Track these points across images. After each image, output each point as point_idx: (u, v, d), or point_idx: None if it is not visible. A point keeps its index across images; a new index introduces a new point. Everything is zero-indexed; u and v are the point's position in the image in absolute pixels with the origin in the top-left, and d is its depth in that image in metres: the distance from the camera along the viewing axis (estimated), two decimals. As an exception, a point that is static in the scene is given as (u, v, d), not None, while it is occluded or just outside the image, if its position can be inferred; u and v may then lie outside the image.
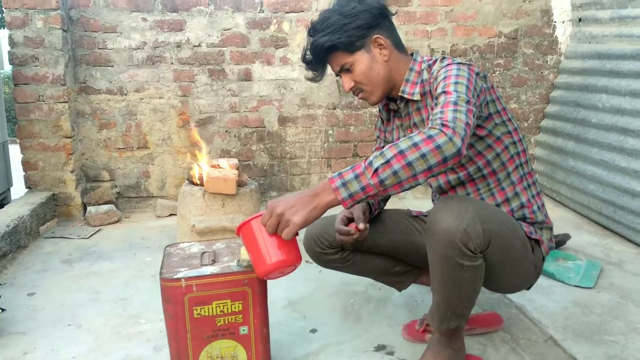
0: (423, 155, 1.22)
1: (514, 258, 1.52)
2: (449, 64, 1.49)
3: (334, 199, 1.27)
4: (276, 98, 3.62)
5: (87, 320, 2.07)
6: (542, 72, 3.80)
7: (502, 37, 3.72)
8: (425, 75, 1.58)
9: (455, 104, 1.33)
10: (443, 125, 1.26)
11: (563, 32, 3.70)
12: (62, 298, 2.27)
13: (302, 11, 3.51)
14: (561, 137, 3.50)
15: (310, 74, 1.66)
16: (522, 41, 3.75)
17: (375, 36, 1.55)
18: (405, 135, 1.69)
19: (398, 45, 1.61)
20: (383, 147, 1.86)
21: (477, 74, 1.48)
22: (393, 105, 1.71)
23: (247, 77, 3.55)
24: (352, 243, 1.64)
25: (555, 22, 3.73)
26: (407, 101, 1.64)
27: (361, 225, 1.59)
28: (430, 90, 1.55)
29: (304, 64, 1.64)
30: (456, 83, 1.40)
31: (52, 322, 2.05)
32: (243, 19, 3.48)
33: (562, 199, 3.48)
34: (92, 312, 2.14)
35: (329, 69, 1.65)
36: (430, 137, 1.24)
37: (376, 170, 1.23)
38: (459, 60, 1.52)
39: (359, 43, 1.55)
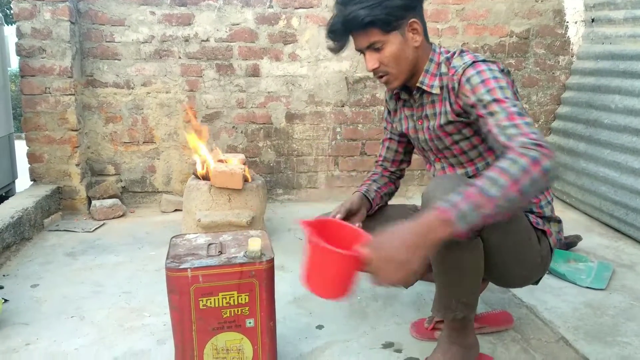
0: (537, 185, 1.18)
1: (515, 243, 1.49)
2: (474, 62, 1.45)
3: (449, 234, 1.16)
4: (284, 94, 3.59)
5: (91, 312, 2.04)
6: (553, 73, 3.76)
7: (514, 36, 3.68)
8: (444, 69, 1.54)
9: (520, 115, 1.32)
10: (538, 145, 1.20)
11: (575, 33, 3.65)
12: (65, 290, 2.24)
13: (312, 7, 3.48)
14: (572, 138, 3.46)
15: (331, 43, 1.56)
16: (533, 41, 3.71)
17: (412, 20, 1.50)
18: (415, 125, 1.68)
19: (425, 31, 1.57)
20: (390, 138, 1.86)
21: (502, 70, 1.46)
22: (404, 95, 1.68)
23: (255, 72, 3.53)
24: None
25: (567, 22, 3.69)
26: (423, 92, 1.60)
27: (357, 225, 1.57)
28: (452, 86, 1.49)
29: (328, 32, 1.54)
30: (501, 88, 1.38)
31: (55, 313, 2.02)
32: (252, 14, 3.45)
33: (572, 201, 3.44)
34: (95, 304, 2.11)
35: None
36: (535, 159, 1.17)
37: (493, 198, 1.16)
38: (481, 57, 1.48)
39: (396, 24, 1.48)
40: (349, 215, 1.64)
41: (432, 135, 1.62)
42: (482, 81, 1.41)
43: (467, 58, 1.49)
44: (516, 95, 1.48)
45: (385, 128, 1.88)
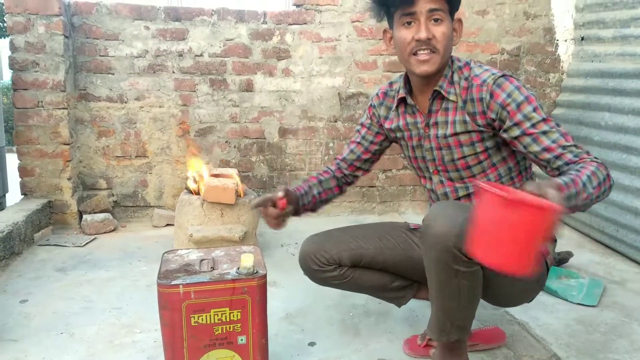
0: (600, 196, 1.33)
1: None
2: (504, 75, 1.48)
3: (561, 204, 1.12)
4: (277, 109, 3.60)
5: (80, 328, 2.02)
6: (544, 90, 3.80)
7: (505, 54, 3.73)
8: (456, 77, 1.54)
9: (567, 134, 1.43)
10: (606, 167, 1.36)
11: (565, 51, 3.70)
12: (55, 306, 2.21)
13: (305, 23, 3.51)
14: (563, 154, 3.48)
15: (373, 5, 1.56)
16: (524, 58, 3.76)
17: (458, 18, 1.54)
18: (419, 133, 1.64)
19: None
20: (359, 143, 1.82)
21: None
22: (411, 100, 1.64)
23: (248, 87, 3.54)
24: (272, 216, 1.59)
25: (557, 40, 3.74)
26: (436, 98, 1.58)
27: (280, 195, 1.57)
28: (480, 97, 1.48)
29: None
30: (540, 107, 1.45)
31: (44, 330, 2.00)
32: (246, 29, 3.47)
33: (563, 217, 3.45)
34: (85, 320, 2.09)
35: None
36: (606, 177, 1.35)
37: (588, 196, 1.28)
38: (498, 72, 1.50)
39: (455, 10, 1.51)
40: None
41: (441, 144, 1.60)
42: (526, 98, 1.44)
43: (492, 70, 1.51)
44: None
45: (358, 131, 1.84)
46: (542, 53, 3.76)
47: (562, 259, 2.68)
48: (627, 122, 2.89)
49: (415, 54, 1.50)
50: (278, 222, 1.59)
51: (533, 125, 1.42)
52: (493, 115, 1.47)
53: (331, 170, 1.86)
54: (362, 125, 1.83)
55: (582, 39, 3.51)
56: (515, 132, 1.44)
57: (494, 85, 1.46)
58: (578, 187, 1.25)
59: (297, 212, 1.70)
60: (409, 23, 1.48)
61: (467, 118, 1.52)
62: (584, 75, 3.45)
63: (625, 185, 2.81)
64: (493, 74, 1.49)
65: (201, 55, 3.46)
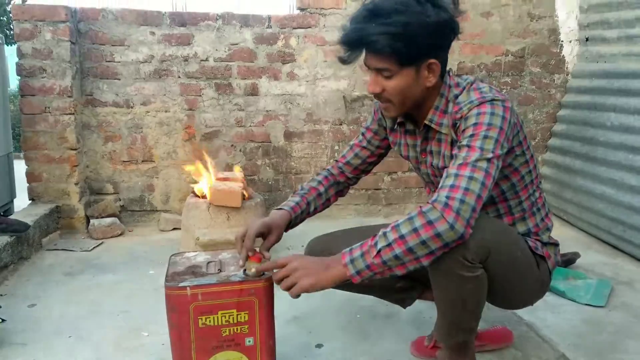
0: (423, 242, 1.25)
1: (517, 271, 1.47)
2: (482, 103, 1.38)
3: (343, 273, 1.31)
4: (282, 113, 3.61)
5: (88, 332, 2.03)
6: (549, 91, 3.79)
7: (510, 55, 3.72)
8: (451, 108, 1.47)
9: (474, 167, 1.30)
10: (446, 206, 1.24)
11: (570, 52, 3.70)
12: (63, 310, 2.23)
13: (310, 27, 3.52)
14: (569, 155, 3.48)
15: (343, 54, 1.45)
16: (529, 60, 3.75)
17: (432, 61, 1.40)
18: (417, 157, 1.63)
19: (444, 70, 1.47)
20: (364, 147, 1.78)
21: (511, 110, 1.40)
22: (409, 125, 1.61)
23: (253, 91, 3.55)
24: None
25: (562, 41, 3.74)
26: (430, 128, 1.54)
27: (266, 254, 1.54)
28: (454, 123, 1.44)
29: (342, 41, 1.42)
30: (485, 137, 1.33)
31: (52, 333, 2.01)
32: (251, 34, 3.48)
33: (570, 218, 3.45)
34: (93, 324, 2.10)
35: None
36: (430, 222, 1.24)
37: (379, 251, 1.27)
38: (489, 94, 1.40)
39: (415, 60, 1.39)
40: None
41: (436, 172, 1.58)
42: (474, 124, 1.35)
43: (475, 96, 1.42)
44: (520, 143, 1.47)
45: (363, 134, 1.79)
46: (547, 54, 3.76)
47: (569, 260, 2.67)
48: (633, 122, 2.88)
49: None
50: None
51: (459, 147, 1.35)
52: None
53: (333, 175, 1.82)
54: (367, 129, 1.78)
55: (587, 39, 3.50)
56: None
57: (467, 113, 1.39)
58: (365, 247, 1.29)
59: (293, 226, 1.70)
60: (369, 71, 1.46)
61: (454, 150, 1.47)
62: (589, 76, 3.45)
63: (632, 185, 2.80)
64: (471, 101, 1.41)
65: (206, 59, 3.47)
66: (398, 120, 1.63)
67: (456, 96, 1.47)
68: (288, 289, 1.35)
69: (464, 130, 1.38)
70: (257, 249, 1.52)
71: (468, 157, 1.31)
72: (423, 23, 1.33)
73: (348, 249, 1.33)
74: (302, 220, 1.74)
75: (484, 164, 1.30)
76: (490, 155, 1.31)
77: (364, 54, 1.44)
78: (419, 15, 1.32)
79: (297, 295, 1.34)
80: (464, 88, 1.48)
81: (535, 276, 1.55)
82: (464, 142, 1.35)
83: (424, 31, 1.33)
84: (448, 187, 1.27)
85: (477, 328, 1.56)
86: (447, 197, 1.25)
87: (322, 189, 1.78)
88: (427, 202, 1.29)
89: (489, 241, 1.35)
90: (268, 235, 1.59)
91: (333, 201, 1.84)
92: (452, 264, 1.33)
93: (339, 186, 1.84)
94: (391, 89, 1.43)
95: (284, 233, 1.68)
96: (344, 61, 1.46)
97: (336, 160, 1.84)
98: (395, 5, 1.33)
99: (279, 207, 1.69)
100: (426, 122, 1.52)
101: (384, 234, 1.28)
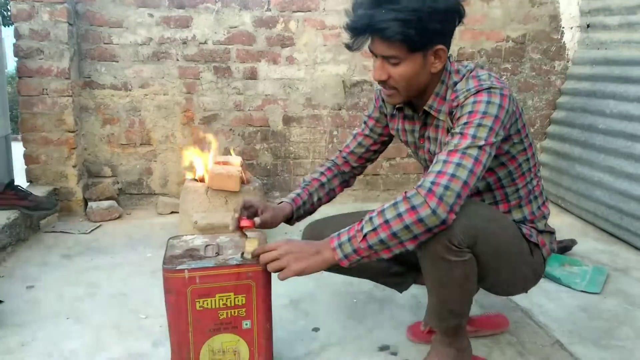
0: (407, 227, 1.27)
1: (507, 257, 1.47)
2: (479, 91, 1.37)
3: (331, 257, 1.34)
4: (281, 97, 3.59)
5: (86, 314, 2.04)
6: (549, 78, 3.78)
7: (510, 41, 3.70)
8: (449, 95, 1.46)
9: (464, 154, 1.30)
10: (430, 192, 1.26)
11: (571, 38, 3.68)
12: (61, 291, 2.23)
13: (310, 10, 3.49)
14: (568, 143, 3.48)
15: (349, 40, 1.42)
16: (529, 46, 3.73)
17: (440, 47, 1.39)
18: (416, 142, 1.64)
19: (448, 57, 1.47)
20: (367, 135, 1.78)
21: (509, 98, 1.39)
22: (408, 111, 1.61)
23: (252, 75, 3.53)
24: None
25: (563, 27, 3.71)
26: (427, 113, 1.54)
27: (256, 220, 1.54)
28: (450, 111, 1.44)
29: (349, 28, 1.39)
30: (479, 126, 1.33)
31: (50, 315, 2.02)
32: (250, 17, 3.46)
33: (567, 205, 3.45)
34: (91, 306, 2.11)
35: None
36: (413, 207, 1.26)
37: (365, 236, 1.30)
38: (487, 82, 1.39)
39: (424, 47, 1.38)
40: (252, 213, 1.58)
41: (433, 158, 1.55)
42: (470, 112, 1.35)
43: (473, 84, 1.41)
44: (519, 131, 1.46)
45: (365, 123, 1.79)
46: (548, 41, 3.74)
47: (565, 247, 2.68)
48: (633, 109, 2.88)
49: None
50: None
51: (452, 135, 1.36)
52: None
53: (337, 165, 1.82)
54: (369, 117, 1.78)
55: (588, 26, 3.48)
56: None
57: (463, 102, 1.39)
58: (352, 231, 1.32)
59: (289, 221, 1.70)
60: (374, 57, 1.45)
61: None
62: (589, 62, 3.43)
63: (629, 173, 2.81)
64: (469, 89, 1.40)
65: (205, 42, 3.45)
66: (397, 105, 1.62)
67: (455, 83, 1.47)
68: (276, 271, 1.37)
69: (458, 118, 1.38)
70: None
71: (459, 145, 1.32)
72: (432, 9, 1.32)
73: (336, 233, 1.35)
74: (308, 213, 1.75)
75: (474, 151, 1.30)
76: (482, 142, 1.31)
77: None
78: (428, 1, 1.31)
79: (285, 279, 1.35)
80: (463, 75, 1.47)
81: (527, 263, 1.55)
82: (457, 130, 1.35)
83: (433, 17, 1.32)
84: (434, 173, 1.29)
85: (469, 313, 1.57)
86: (432, 183, 1.27)
87: (324, 179, 1.78)
88: (413, 187, 1.30)
89: (476, 227, 1.35)
90: (263, 212, 1.58)
91: (339, 192, 1.84)
92: (438, 248, 1.35)
93: (344, 176, 1.84)
94: (398, 76, 1.42)
95: (290, 226, 1.73)
96: (350, 48, 1.43)
97: (340, 151, 1.84)
98: None
99: (280, 201, 1.70)
100: (425, 108, 1.52)
101: (370, 218, 1.31)
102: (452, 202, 1.26)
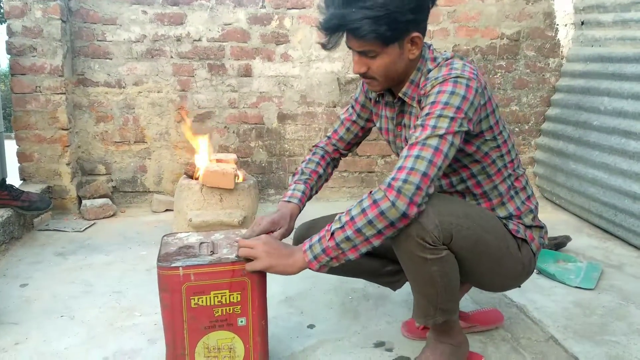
0: (370, 222, 1.29)
1: (488, 253, 1.46)
2: (445, 80, 1.37)
3: (302, 260, 1.37)
4: (276, 95, 3.59)
5: (80, 312, 2.03)
6: (543, 75, 3.79)
7: (505, 38, 3.71)
8: (422, 82, 1.47)
9: (423, 145, 1.30)
10: (389, 186, 1.28)
11: (565, 35, 3.68)
12: (55, 290, 2.22)
13: (304, 7, 3.49)
14: (562, 139, 3.49)
15: (324, 39, 1.43)
16: (524, 43, 3.74)
17: (416, 34, 1.40)
18: (394, 130, 1.64)
19: (424, 39, 1.47)
20: (354, 122, 1.77)
21: (476, 90, 1.37)
22: (388, 97, 1.61)
23: (247, 72, 3.53)
24: None
25: (557, 25, 3.72)
26: (404, 101, 1.55)
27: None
28: (420, 100, 1.45)
29: (322, 27, 1.39)
30: (439, 116, 1.32)
31: (44, 313, 2.01)
32: (244, 14, 3.45)
33: (562, 202, 3.46)
34: (85, 304, 2.10)
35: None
36: (375, 202, 1.29)
37: (332, 233, 1.32)
38: (458, 72, 1.38)
39: (398, 38, 1.38)
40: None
41: None
42: (432, 103, 1.35)
43: (443, 72, 1.41)
44: (491, 127, 1.45)
45: (352, 107, 1.78)
46: (542, 38, 3.74)
47: (560, 243, 2.69)
48: (627, 106, 2.88)
49: None
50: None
51: (415, 127, 1.36)
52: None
53: (328, 153, 1.83)
54: (356, 101, 1.77)
55: (582, 23, 3.49)
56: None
57: (429, 90, 1.39)
58: (322, 232, 1.34)
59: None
60: (352, 53, 1.46)
61: None
62: (583, 59, 3.44)
63: (623, 169, 2.81)
64: (437, 77, 1.40)
65: (199, 40, 3.44)
66: (378, 92, 1.63)
67: (429, 71, 1.48)
68: (247, 260, 1.40)
69: (422, 108, 1.38)
70: None
71: (419, 137, 1.32)
72: (402, 1, 1.32)
73: (310, 237, 1.37)
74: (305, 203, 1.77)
75: (433, 141, 1.30)
76: (442, 132, 1.31)
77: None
78: None
79: (252, 271, 1.39)
80: (438, 64, 1.47)
81: (514, 259, 1.54)
82: (419, 122, 1.36)
83: (404, 8, 1.33)
84: (396, 170, 1.31)
85: (457, 309, 1.55)
86: (392, 179, 1.29)
87: (321, 170, 1.80)
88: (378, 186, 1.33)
89: (450, 223, 1.35)
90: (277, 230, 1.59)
91: (329, 178, 1.88)
92: (411, 246, 1.35)
93: (334, 162, 1.88)
94: (376, 68, 1.43)
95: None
96: (325, 47, 1.44)
97: (328, 137, 1.84)
98: None
99: (287, 199, 1.69)
100: (400, 94, 1.53)
101: (339, 217, 1.34)
102: (411, 194, 1.26)
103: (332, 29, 1.39)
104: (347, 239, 1.30)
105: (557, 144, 3.52)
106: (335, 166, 1.89)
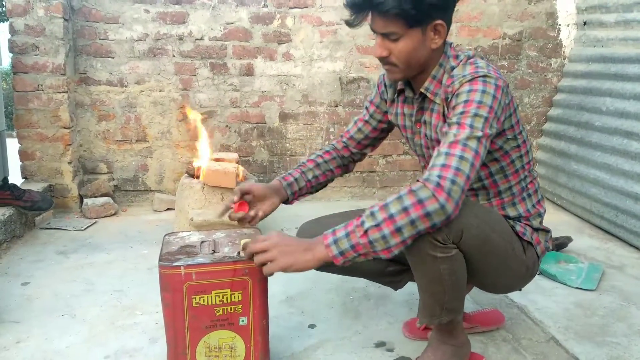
0: (412, 222, 1.23)
1: (495, 254, 1.47)
2: (474, 79, 1.38)
3: (325, 255, 1.28)
4: (278, 94, 3.59)
5: (82, 310, 2.03)
6: (545, 75, 3.78)
7: (507, 38, 3.70)
8: (446, 80, 1.47)
9: (465, 145, 1.29)
10: (438, 186, 1.23)
11: (567, 36, 3.68)
12: (56, 288, 2.23)
13: (306, 7, 3.48)
14: (564, 140, 3.48)
15: (348, 16, 1.44)
16: (526, 43, 3.73)
17: (439, 22, 1.40)
18: (412, 127, 1.63)
19: (447, 33, 1.47)
20: (367, 121, 1.78)
21: (503, 89, 1.39)
22: (409, 92, 1.61)
23: (249, 72, 3.53)
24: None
25: (560, 25, 3.72)
26: (425, 97, 1.55)
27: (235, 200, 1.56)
28: (446, 97, 1.44)
29: (348, 3, 1.41)
30: (475, 115, 1.32)
31: (46, 311, 2.01)
32: (246, 13, 3.45)
33: (563, 202, 3.46)
34: (86, 302, 2.10)
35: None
36: (420, 201, 1.23)
37: (366, 231, 1.24)
38: (483, 70, 1.39)
39: (422, 21, 1.38)
40: (250, 200, 1.60)
41: (429, 143, 1.58)
42: (465, 101, 1.35)
43: (469, 70, 1.41)
44: (512, 127, 1.45)
45: (366, 108, 1.79)
46: (544, 38, 3.74)
47: (561, 244, 2.69)
48: (629, 107, 2.88)
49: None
50: (243, 223, 1.59)
51: (449, 125, 1.35)
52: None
53: (337, 149, 1.82)
54: (370, 102, 1.78)
55: (585, 23, 3.49)
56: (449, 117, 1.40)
57: (458, 88, 1.39)
58: (350, 226, 1.27)
59: (287, 201, 1.70)
60: (375, 35, 1.46)
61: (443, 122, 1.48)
62: (585, 60, 3.44)
63: (625, 170, 2.81)
64: (464, 75, 1.40)
65: (201, 39, 3.44)
66: (398, 87, 1.62)
67: (452, 68, 1.47)
68: (262, 265, 1.32)
69: (454, 107, 1.37)
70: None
71: (458, 135, 1.31)
72: None
73: (330, 230, 1.30)
74: (305, 191, 1.76)
75: (473, 143, 1.30)
76: (479, 133, 1.31)
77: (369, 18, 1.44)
78: None
79: (271, 274, 1.32)
80: (461, 61, 1.48)
81: (519, 261, 1.54)
82: (454, 119, 1.34)
83: None
84: (439, 167, 1.27)
85: (462, 309, 1.56)
86: (439, 177, 1.24)
87: (320, 160, 1.78)
88: (418, 181, 1.28)
89: (460, 222, 1.35)
90: (261, 200, 1.61)
91: (337, 173, 1.83)
92: (422, 244, 1.34)
93: (343, 160, 1.84)
94: (398, 52, 1.43)
95: (290, 204, 1.74)
96: (350, 24, 1.45)
97: (341, 136, 1.84)
98: None
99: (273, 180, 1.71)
100: (422, 90, 1.52)
101: (372, 213, 1.26)
102: (458, 197, 1.24)
103: (358, 5, 1.40)
104: (383, 237, 1.23)
105: (559, 145, 3.52)
106: (345, 165, 1.85)
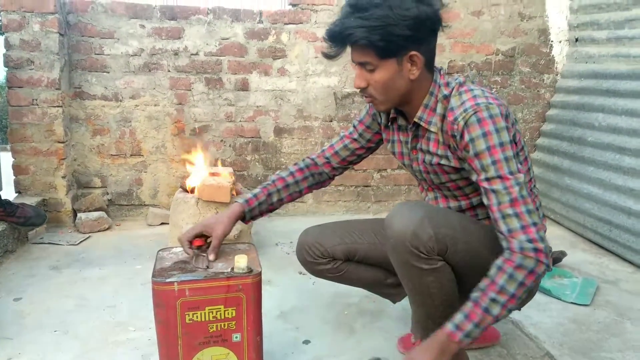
0: (527, 289, 1.31)
1: (484, 267, 1.44)
2: (480, 118, 1.37)
3: (456, 348, 1.32)
4: (272, 109, 3.60)
5: (75, 326, 2.01)
6: (538, 91, 3.82)
7: (500, 54, 3.74)
8: (440, 109, 1.47)
9: (522, 198, 1.33)
10: (536, 251, 1.30)
11: (560, 52, 3.72)
12: (49, 304, 2.21)
13: (301, 23, 3.51)
14: (557, 155, 3.50)
15: (328, 48, 1.46)
16: (519, 59, 3.77)
17: (413, 53, 1.40)
18: (409, 154, 1.62)
19: (430, 63, 1.47)
20: (355, 139, 1.77)
21: (506, 115, 1.40)
22: (401, 121, 1.60)
23: (244, 86, 3.54)
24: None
25: (552, 41, 3.76)
26: (419, 125, 1.54)
27: (211, 257, 1.53)
28: (453, 134, 1.43)
29: (326, 36, 1.44)
30: (506, 160, 1.35)
31: (38, 327, 2.00)
32: (242, 28, 3.47)
33: (557, 217, 3.47)
34: (79, 318, 2.08)
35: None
36: (532, 271, 1.30)
37: (496, 317, 1.31)
38: (482, 99, 1.40)
39: (394, 52, 1.39)
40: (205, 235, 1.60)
41: (428, 169, 1.58)
42: (488, 148, 1.35)
43: (469, 102, 1.40)
44: (515, 144, 1.45)
45: (354, 127, 1.78)
46: (537, 54, 3.78)
47: (555, 259, 2.69)
48: (621, 122, 2.91)
49: None
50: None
51: (487, 180, 1.36)
52: (462, 156, 1.44)
53: (316, 164, 1.80)
54: (360, 122, 1.77)
55: (577, 40, 3.53)
56: (473, 176, 1.42)
57: (464, 125, 1.39)
58: (475, 317, 1.29)
59: (243, 220, 1.69)
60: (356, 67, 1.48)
61: (449, 153, 1.48)
62: (578, 76, 3.47)
63: (618, 185, 2.83)
64: (465, 109, 1.40)
65: (197, 54, 3.46)
66: (391, 116, 1.62)
67: (445, 97, 1.47)
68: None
69: (478, 155, 1.37)
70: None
71: (512, 190, 1.33)
72: (400, 16, 1.34)
73: (451, 325, 1.31)
74: (265, 212, 1.73)
75: (524, 190, 1.34)
76: (521, 176, 1.35)
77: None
78: (397, 9, 1.34)
79: None
80: (453, 88, 1.48)
81: None
82: (493, 173, 1.35)
83: (401, 24, 1.34)
84: (521, 231, 1.31)
85: None
86: (530, 241, 1.30)
87: (291, 180, 1.76)
88: (512, 251, 1.31)
89: (444, 235, 1.37)
90: (213, 232, 1.59)
91: (305, 193, 1.82)
92: (406, 256, 1.37)
93: (320, 177, 1.82)
94: (375, 83, 1.44)
95: (245, 223, 1.72)
96: (328, 56, 1.48)
97: (323, 150, 1.82)
98: (374, 0, 1.35)
99: (234, 200, 1.71)
100: (415, 119, 1.52)
101: (493, 299, 1.30)
102: (545, 246, 1.32)
103: (332, 37, 1.43)
104: (508, 310, 1.32)
105: (552, 160, 3.54)
106: (320, 182, 1.83)
